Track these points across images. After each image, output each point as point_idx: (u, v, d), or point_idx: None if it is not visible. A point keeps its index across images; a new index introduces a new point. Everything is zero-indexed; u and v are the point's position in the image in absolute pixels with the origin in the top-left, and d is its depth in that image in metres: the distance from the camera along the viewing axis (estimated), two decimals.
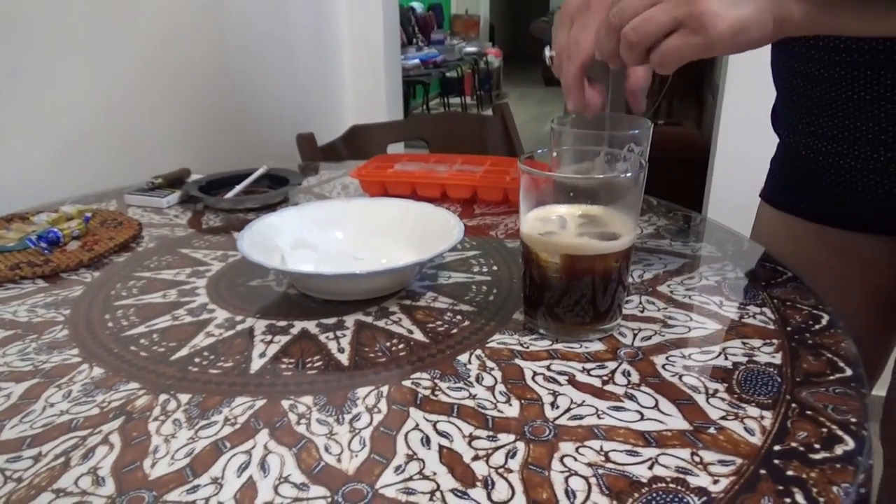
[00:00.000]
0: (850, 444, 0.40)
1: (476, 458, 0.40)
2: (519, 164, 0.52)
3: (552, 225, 0.53)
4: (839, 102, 0.63)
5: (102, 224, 0.81)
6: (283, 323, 0.57)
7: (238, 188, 0.93)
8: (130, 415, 0.45)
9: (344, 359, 0.52)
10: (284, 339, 0.55)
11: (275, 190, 0.93)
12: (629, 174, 0.51)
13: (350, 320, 0.57)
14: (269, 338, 0.55)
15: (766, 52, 1.61)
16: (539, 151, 0.55)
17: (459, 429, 0.43)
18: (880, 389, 0.77)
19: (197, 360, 0.52)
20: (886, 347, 0.78)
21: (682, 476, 0.38)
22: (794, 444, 0.40)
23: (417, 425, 0.43)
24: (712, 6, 0.44)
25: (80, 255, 0.72)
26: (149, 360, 0.52)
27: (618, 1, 0.49)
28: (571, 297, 0.52)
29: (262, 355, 0.52)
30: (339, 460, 0.40)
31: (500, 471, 0.39)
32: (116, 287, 0.66)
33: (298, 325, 0.57)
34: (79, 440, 0.43)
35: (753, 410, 0.44)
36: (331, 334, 0.55)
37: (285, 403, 0.46)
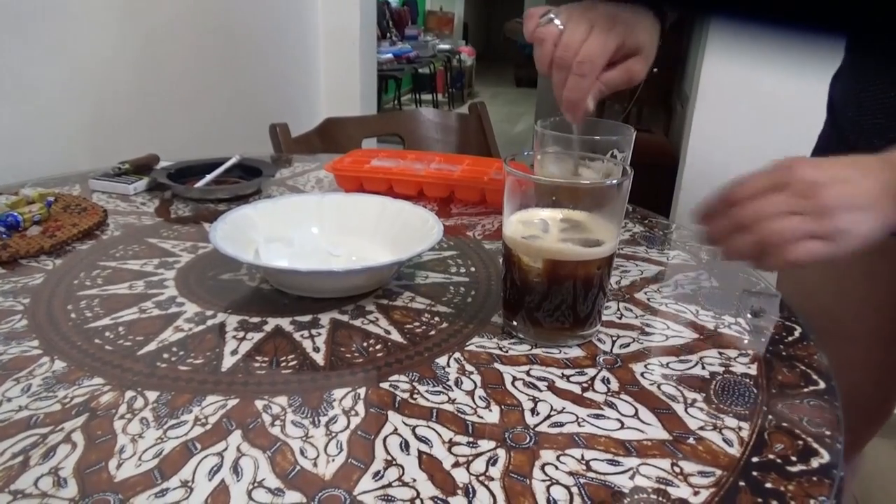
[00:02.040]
0: (826, 456, 0.41)
1: (456, 464, 0.39)
2: (505, 166, 0.51)
3: (535, 228, 0.52)
4: None
5: (65, 209, 0.78)
6: (255, 319, 0.56)
7: (209, 177, 0.90)
8: (95, 412, 0.43)
9: (319, 358, 0.50)
10: (257, 336, 0.53)
11: (247, 180, 0.90)
12: (614, 181, 0.51)
13: (325, 318, 0.56)
14: (241, 334, 0.53)
15: (735, 71, 1.64)
16: (525, 154, 0.55)
17: (439, 434, 0.42)
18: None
19: (165, 355, 0.50)
20: None
21: (662, 487, 0.38)
22: (771, 457, 0.40)
23: (396, 429, 0.42)
24: (847, 224, 0.49)
25: (41, 241, 0.69)
26: (114, 354, 0.50)
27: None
28: (552, 302, 0.52)
29: (234, 352, 0.51)
30: (315, 465, 0.39)
31: (482, 478, 0.38)
32: (80, 276, 0.63)
33: (272, 322, 0.55)
34: (39, 438, 0.41)
35: (731, 421, 0.44)
36: (305, 332, 0.54)
37: (259, 404, 0.45)
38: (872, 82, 0.67)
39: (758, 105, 1.58)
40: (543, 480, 0.38)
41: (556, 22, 0.59)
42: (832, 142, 0.76)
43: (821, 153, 0.78)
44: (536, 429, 0.42)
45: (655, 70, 0.63)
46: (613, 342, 0.54)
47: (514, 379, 0.48)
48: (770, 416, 0.45)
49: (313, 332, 0.54)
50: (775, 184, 0.50)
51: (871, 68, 0.67)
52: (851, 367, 0.52)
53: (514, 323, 0.54)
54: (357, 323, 0.56)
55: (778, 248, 0.50)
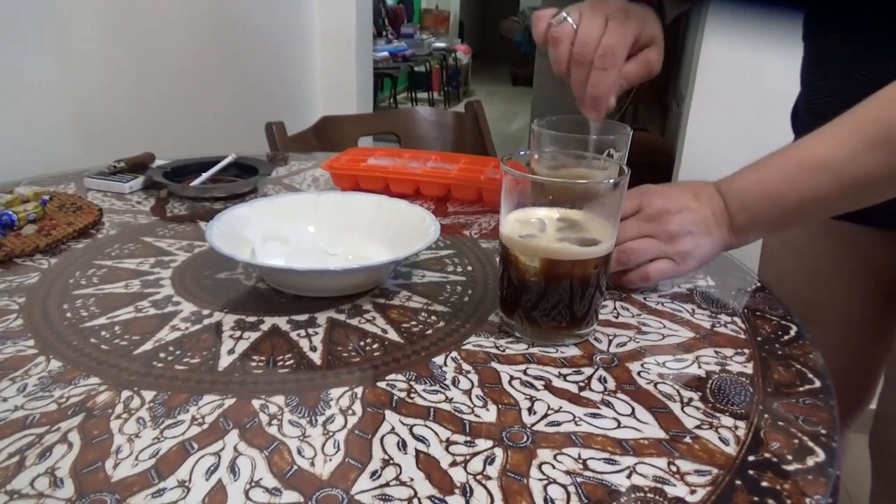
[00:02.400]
0: (821, 455, 0.41)
1: (454, 463, 0.39)
2: (502, 165, 0.51)
3: (532, 227, 0.52)
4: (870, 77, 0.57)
5: (60, 208, 0.77)
6: (252, 318, 0.56)
7: (205, 176, 0.90)
8: (91, 412, 0.43)
9: (316, 357, 0.50)
10: (254, 335, 0.53)
11: (243, 179, 0.90)
12: (611, 181, 0.51)
13: (322, 318, 0.56)
14: (237, 333, 0.53)
15: (731, 69, 1.64)
16: (522, 153, 0.55)
17: (436, 433, 0.42)
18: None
19: (162, 355, 0.50)
20: (887, 338, 0.79)
21: (659, 486, 0.38)
22: (767, 455, 0.41)
23: (393, 429, 0.42)
24: (689, 247, 0.58)
25: (37, 239, 0.68)
26: (110, 353, 0.50)
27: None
28: (549, 301, 0.52)
29: (231, 352, 0.51)
30: (312, 464, 0.39)
31: (479, 477, 0.38)
32: (75, 275, 0.63)
33: (269, 321, 0.55)
34: (35, 438, 0.40)
35: (727, 420, 0.44)
36: (302, 332, 0.54)
37: (256, 403, 0.44)
38: (819, 87, 0.69)
39: (754, 104, 1.58)
40: (540, 479, 0.38)
41: (570, 21, 0.59)
42: None
43: None
44: (533, 428, 0.43)
45: None
46: (610, 341, 0.54)
47: (511, 378, 0.48)
48: (766, 415, 0.45)
49: (310, 331, 0.54)
50: (633, 210, 0.59)
51: (830, 68, 0.68)
52: (828, 351, 0.54)
53: (511, 322, 0.54)
54: (354, 322, 0.56)
55: (631, 262, 0.59)
